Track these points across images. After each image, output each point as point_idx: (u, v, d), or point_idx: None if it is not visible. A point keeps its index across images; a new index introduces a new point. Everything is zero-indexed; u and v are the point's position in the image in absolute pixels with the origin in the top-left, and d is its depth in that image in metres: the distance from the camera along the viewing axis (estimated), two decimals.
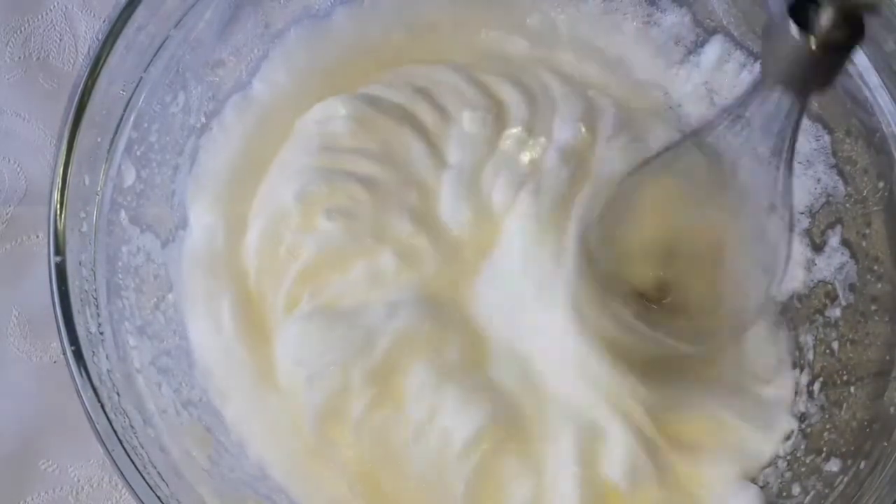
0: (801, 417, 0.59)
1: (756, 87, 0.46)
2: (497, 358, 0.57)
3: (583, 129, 0.61)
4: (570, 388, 0.56)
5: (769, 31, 0.41)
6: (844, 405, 0.57)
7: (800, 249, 0.61)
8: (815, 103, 0.59)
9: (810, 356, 0.60)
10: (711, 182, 0.52)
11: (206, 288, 0.58)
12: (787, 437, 0.58)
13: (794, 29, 0.39)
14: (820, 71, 0.42)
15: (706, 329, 0.56)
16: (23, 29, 0.71)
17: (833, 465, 0.55)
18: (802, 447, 0.57)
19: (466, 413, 0.55)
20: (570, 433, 0.55)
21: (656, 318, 0.56)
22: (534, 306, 0.57)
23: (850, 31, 0.39)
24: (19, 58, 0.71)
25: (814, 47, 0.39)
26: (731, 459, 0.57)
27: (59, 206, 0.52)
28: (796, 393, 0.59)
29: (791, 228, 0.51)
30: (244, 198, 0.60)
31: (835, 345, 0.59)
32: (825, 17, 0.39)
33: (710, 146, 0.50)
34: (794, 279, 0.61)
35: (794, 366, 0.60)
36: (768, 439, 0.58)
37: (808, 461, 0.57)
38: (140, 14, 0.53)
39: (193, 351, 0.58)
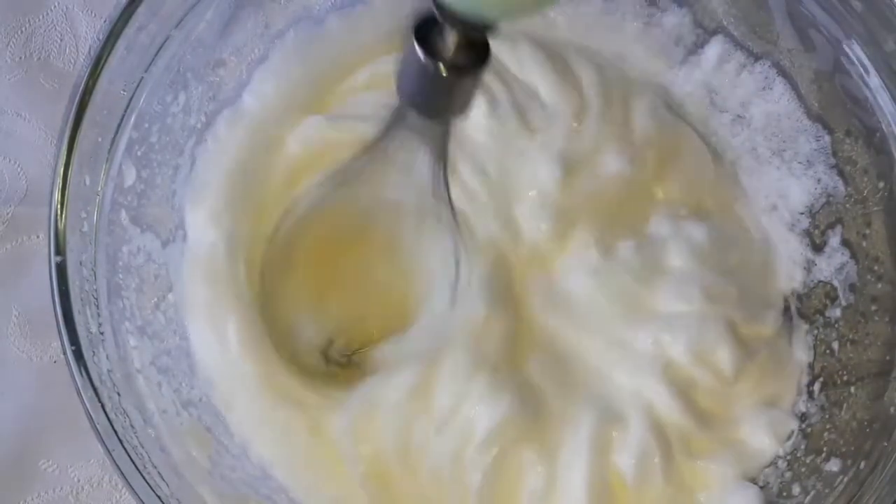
0: (801, 417, 0.59)
1: (398, 114, 0.46)
2: (535, 349, 0.58)
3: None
4: (604, 378, 0.57)
5: (404, 56, 0.41)
6: (844, 405, 0.57)
7: (800, 249, 0.61)
8: (815, 103, 0.59)
9: (810, 356, 0.60)
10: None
11: (209, 306, 0.58)
12: (788, 437, 0.58)
13: (421, 54, 0.39)
14: (452, 94, 0.42)
15: None
16: (24, 29, 0.71)
17: (833, 465, 0.55)
18: (802, 447, 0.57)
19: (492, 403, 0.55)
20: (590, 421, 0.56)
21: None
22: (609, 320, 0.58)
23: (476, 55, 0.40)
24: (20, 58, 0.71)
25: (444, 73, 0.40)
26: (732, 460, 0.57)
27: (59, 206, 0.52)
28: (797, 393, 0.59)
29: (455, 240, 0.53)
30: (243, 212, 0.60)
31: (835, 345, 0.59)
32: (449, 42, 0.39)
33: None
34: (794, 279, 0.62)
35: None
36: (769, 439, 0.58)
37: (808, 461, 0.57)
38: (141, 14, 0.53)
39: (196, 361, 0.58)
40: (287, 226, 0.56)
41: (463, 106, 0.43)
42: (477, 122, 0.60)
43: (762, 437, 0.57)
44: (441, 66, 0.40)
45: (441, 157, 0.48)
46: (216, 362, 0.57)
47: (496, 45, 0.61)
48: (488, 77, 0.60)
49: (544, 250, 0.59)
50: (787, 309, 0.61)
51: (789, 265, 0.61)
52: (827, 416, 0.57)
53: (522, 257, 0.59)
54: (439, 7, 0.38)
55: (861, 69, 0.55)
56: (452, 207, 0.51)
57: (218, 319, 0.57)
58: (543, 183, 0.58)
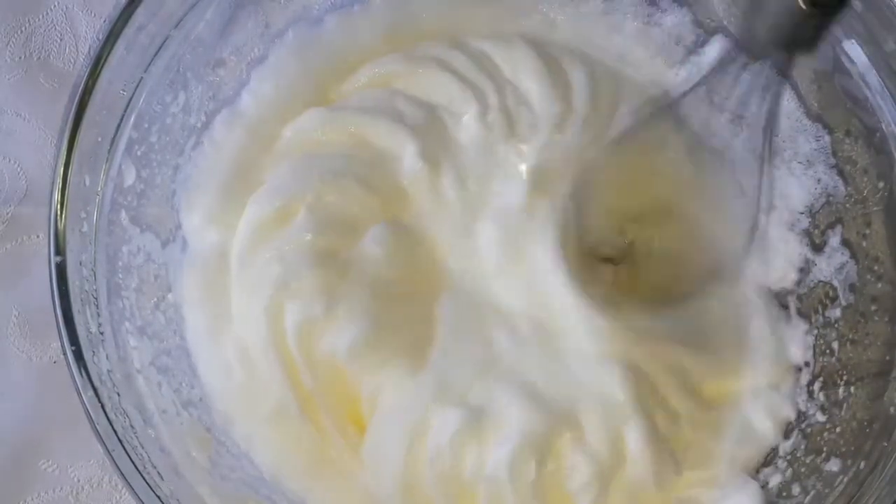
0: (801, 417, 0.59)
1: (733, 62, 0.46)
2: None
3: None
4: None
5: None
6: (844, 405, 0.57)
7: (800, 249, 0.61)
8: (815, 103, 0.59)
9: (810, 356, 0.60)
10: (681, 146, 0.54)
11: (210, 330, 0.58)
12: (787, 435, 0.58)
13: None
14: (807, 31, 0.42)
15: (688, 275, 0.57)
16: (23, 29, 0.71)
17: (833, 465, 0.55)
18: (802, 447, 0.57)
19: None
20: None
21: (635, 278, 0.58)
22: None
23: None
24: (20, 58, 0.71)
25: (803, 5, 0.40)
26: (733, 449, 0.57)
27: (59, 206, 0.52)
28: (797, 388, 0.59)
29: (759, 202, 0.52)
30: (237, 215, 0.60)
31: (835, 345, 0.59)
32: None
33: (682, 115, 0.52)
34: (786, 279, 0.62)
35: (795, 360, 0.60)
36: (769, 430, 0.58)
37: (808, 461, 0.57)
38: (140, 14, 0.53)
39: (203, 385, 0.58)
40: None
41: (810, 44, 0.43)
42: (467, 125, 0.60)
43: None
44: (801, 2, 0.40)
45: (773, 107, 0.48)
46: (223, 389, 0.57)
47: (491, 47, 0.62)
48: (481, 79, 0.61)
49: (490, 270, 0.59)
50: (785, 307, 0.61)
51: (784, 265, 0.62)
52: (827, 416, 0.57)
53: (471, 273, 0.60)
54: None
55: (861, 69, 0.55)
56: (769, 156, 0.51)
57: (220, 345, 0.58)
58: (509, 201, 0.59)
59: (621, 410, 0.56)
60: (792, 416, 0.59)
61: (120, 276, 0.56)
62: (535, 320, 0.58)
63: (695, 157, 0.53)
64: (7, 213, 0.69)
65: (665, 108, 0.53)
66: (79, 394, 0.51)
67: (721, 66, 0.48)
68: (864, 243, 0.58)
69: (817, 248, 0.60)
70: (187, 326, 0.58)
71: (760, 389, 0.59)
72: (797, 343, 0.60)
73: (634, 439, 0.55)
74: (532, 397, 0.56)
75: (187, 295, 0.58)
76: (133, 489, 0.50)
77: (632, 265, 0.60)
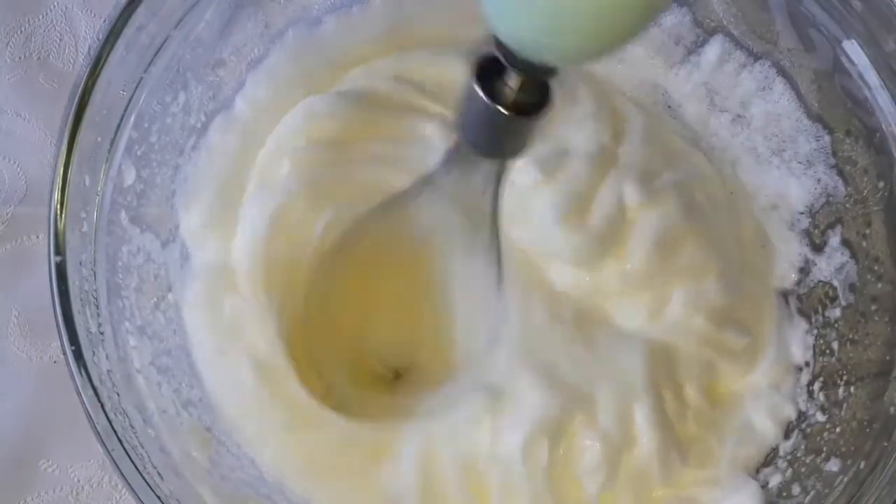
0: (801, 417, 0.59)
1: (454, 153, 0.46)
2: None
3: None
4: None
5: (464, 95, 0.41)
6: (844, 405, 0.57)
7: (800, 249, 0.61)
8: (815, 103, 0.59)
9: (810, 356, 0.60)
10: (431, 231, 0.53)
11: (219, 348, 0.58)
12: (788, 435, 0.58)
13: (482, 95, 0.39)
14: (512, 135, 0.41)
15: None
16: (23, 29, 0.71)
17: (833, 465, 0.55)
18: (802, 447, 0.57)
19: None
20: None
21: None
22: None
23: (538, 97, 0.39)
24: (20, 58, 0.71)
25: (504, 114, 0.39)
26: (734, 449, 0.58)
27: (59, 206, 0.52)
28: (797, 388, 0.59)
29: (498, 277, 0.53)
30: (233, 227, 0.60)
31: (835, 345, 0.59)
32: (511, 83, 0.39)
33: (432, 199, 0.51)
34: (786, 279, 0.62)
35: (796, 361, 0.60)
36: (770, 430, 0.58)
37: (808, 461, 0.57)
38: (140, 14, 0.53)
39: (210, 395, 0.58)
40: (329, 253, 0.56)
41: (521, 147, 0.42)
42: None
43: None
44: (501, 108, 0.39)
45: (494, 194, 0.48)
46: (233, 403, 0.57)
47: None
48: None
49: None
50: (786, 304, 0.61)
51: (784, 265, 0.62)
52: (827, 416, 0.57)
53: None
54: (501, 50, 0.37)
55: (861, 69, 0.55)
56: (499, 242, 0.51)
57: (230, 365, 0.57)
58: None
59: (633, 388, 0.56)
60: (793, 415, 0.59)
61: (120, 276, 0.56)
62: (575, 301, 0.58)
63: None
64: (7, 213, 0.69)
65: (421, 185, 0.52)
66: (79, 394, 0.51)
67: (447, 158, 0.48)
68: (864, 243, 0.58)
69: (817, 248, 0.60)
70: (194, 346, 0.58)
71: (761, 389, 0.59)
72: (797, 343, 0.61)
73: (643, 418, 0.56)
74: (552, 381, 0.56)
75: (191, 314, 0.58)
76: (133, 489, 0.50)
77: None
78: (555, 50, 0.36)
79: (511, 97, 0.39)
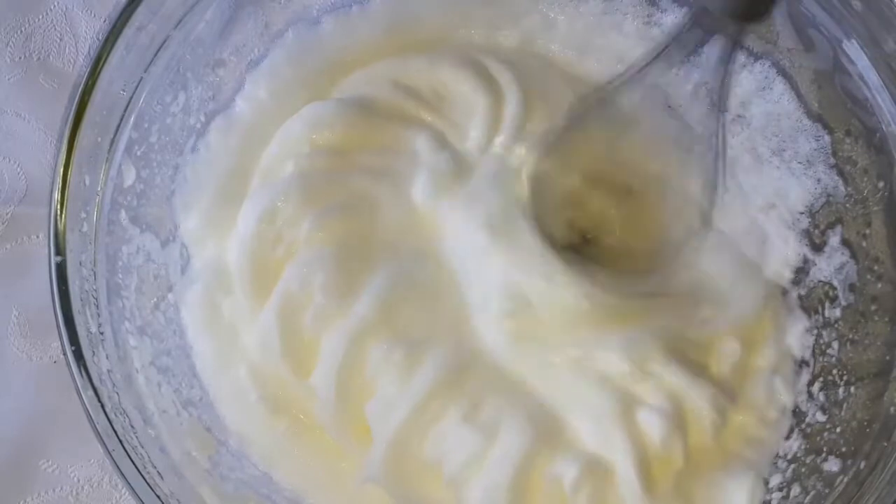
0: (801, 417, 0.59)
1: (692, 27, 0.46)
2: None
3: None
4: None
5: None
6: (844, 405, 0.57)
7: (799, 249, 0.61)
8: (815, 103, 0.59)
9: (810, 356, 0.60)
10: (638, 122, 0.54)
11: (220, 355, 0.58)
12: (787, 435, 0.58)
13: None
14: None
15: (652, 250, 0.58)
16: (23, 29, 0.71)
17: (833, 465, 0.55)
18: (802, 447, 0.57)
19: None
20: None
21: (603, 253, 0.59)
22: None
23: None
24: (20, 58, 0.71)
25: None
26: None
27: (59, 206, 0.52)
28: (797, 392, 0.59)
29: (718, 155, 0.53)
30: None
31: (835, 345, 0.59)
32: None
33: (638, 91, 0.52)
34: (782, 276, 0.62)
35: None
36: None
37: (808, 461, 0.57)
38: (140, 14, 0.53)
39: (219, 413, 0.58)
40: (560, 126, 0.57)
41: (764, 9, 0.43)
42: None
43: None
44: None
45: (724, 73, 0.48)
46: (236, 411, 0.57)
47: None
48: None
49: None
50: (785, 293, 0.61)
51: (784, 265, 0.62)
52: (827, 416, 0.57)
53: None
54: None
55: (861, 69, 0.55)
56: (723, 129, 0.51)
57: (230, 368, 0.58)
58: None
59: (609, 414, 0.56)
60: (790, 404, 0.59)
61: (120, 276, 0.56)
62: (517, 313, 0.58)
63: (663, 128, 0.54)
64: (7, 213, 0.69)
65: (624, 83, 0.53)
66: (79, 394, 0.51)
67: (677, 41, 0.48)
68: (864, 243, 0.58)
69: (817, 247, 0.60)
70: (196, 355, 0.58)
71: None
72: (797, 342, 0.61)
73: (621, 455, 0.55)
74: (531, 416, 0.56)
75: (192, 322, 0.58)
76: (133, 489, 0.50)
77: (609, 241, 0.60)
78: None
79: None
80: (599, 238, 0.60)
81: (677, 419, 0.56)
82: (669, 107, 0.51)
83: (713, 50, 0.62)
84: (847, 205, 0.59)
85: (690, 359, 0.58)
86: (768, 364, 0.60)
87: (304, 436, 0.57)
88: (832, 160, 0.59)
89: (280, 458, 0.57)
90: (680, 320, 0.58)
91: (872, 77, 0.55)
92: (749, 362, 0.60)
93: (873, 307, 0.57)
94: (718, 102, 0.49)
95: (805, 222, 0.61)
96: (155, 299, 0.58)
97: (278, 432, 0.57)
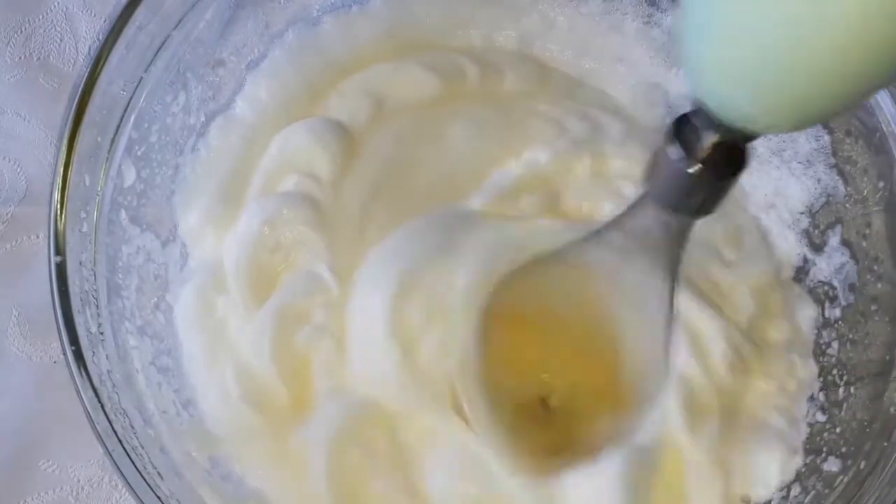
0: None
1: (641, 205, 0.45)
2: None
3: None
4: None
5: (655, 155, 0.40)
6: (844, 405, 0.57)
7: (799, 249, 0.61)
8: None
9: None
10: (595, 276, 0.52)
11: (207, 352, 0.58)
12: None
13: (676, 154, 0.38)
14: (704, 196, 0.40)
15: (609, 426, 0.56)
16: (23, 29, 0.71)
17: (833, 465, 0.55)
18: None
19: None
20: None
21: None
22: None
23: (733, 158, 0.38)
24: (20, 58, 0.71)
25: (695, 173, 0.38)
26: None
27: (59, 206, 0.52)
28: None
29: (670, 325, 0.51)
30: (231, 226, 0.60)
31: (835, 345, 0.59)
32: (707, 143, 0.38)
33: (599, 248, 0.50)
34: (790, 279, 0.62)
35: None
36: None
37: (808, 461, 0.57)
38: (141, 14, 0.53)
39: (201, 411, 0.57)
40: (497, 293, 0.55)
41: (711, 206, 0.41)
42: None
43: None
44: (697, 166, 0.38)
45: (676, 252, 0.46)
46: (223, 418, 0.57)
47: None
48: None
49: None
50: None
51: (784, 265, 0.62)
52: (827, 416, 0.57)
53: None
54: (701, 111, 0.37)
55: None
56: (673, 306, 0.50)
57: (216, 366, 0.57)
58: None
59: None
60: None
61: (120, 276, 0.56)
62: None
63: (620, 288, 0.52)
64: (7, 213, 0.69)
65: (588, 239, 0.51)
66: (79, 394, 0.51)
67: (634, 207, 0.46)
68: (864, 243, 0.58)
69: (817, 248, 0.60)
70: (183, 353, 0.58)
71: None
72: (806, 324, 0.61)
73: None
74: None
75: (183, 319, 0.58)
76: (133, 489, 0.50)
77: (565, 415, 0.58)
78: (764, 120, 0.35)
79: (707, 156, 0.38)
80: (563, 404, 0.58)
81: (695, 348, 0.56)
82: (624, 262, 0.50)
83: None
84: (847, 205, 0.59)
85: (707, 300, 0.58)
86: (783, 338, 0.60)
87: (277, 438, 0.57)
88: (832, 160, 0.59)
89: (252, 457, 0.57)
90: None
91: None
92: (766, 332, 0.60)
93: (873, 307, 0.57)
94: (671, 273, 0.48)
95: (805, 222, 0.61)
96: (155, 299, 0.58)
97: (255, 431, 0.57)
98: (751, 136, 0.37)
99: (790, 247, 0.62)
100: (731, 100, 0.35)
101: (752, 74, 0.33)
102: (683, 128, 0.38)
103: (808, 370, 0.59)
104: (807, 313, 0.61)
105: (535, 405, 0.57)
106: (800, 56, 0.30)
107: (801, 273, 0.61)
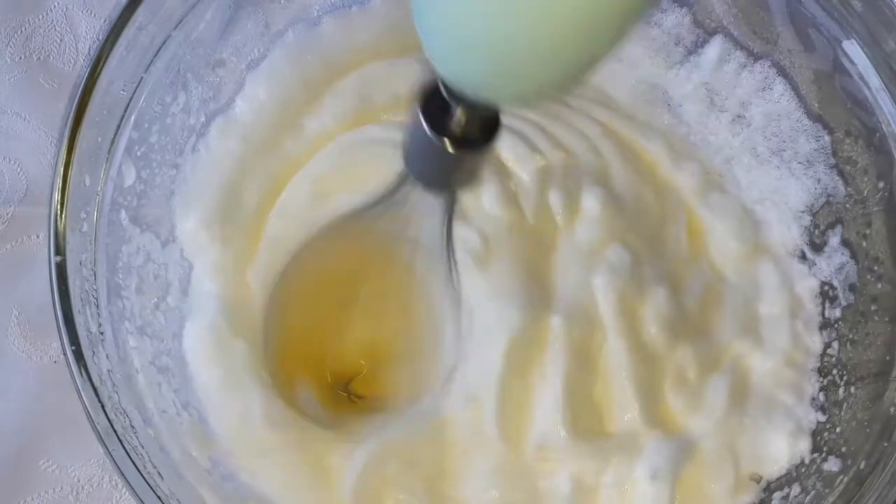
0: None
1: (403, 180, 0.44)
2: None
3: None
4: None
5: (409, 127, 0.40)
6: (844, 405, 0.57)
7: (800, 248, 0.61)
8: (815, 103, 0.59)
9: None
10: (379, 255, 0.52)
11: (225, 385, 0.57)
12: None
13: (427, 128, 0.37)
14: (459, 169, 0.40)
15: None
16: (23, 29, 0.71)
17: (833, 465, 0.55)
18: None
19: None
20: None
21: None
22: None
23: (484, 130, 0.38)
24: (20, 58, 0.71)
25: (450, 149, 0.38)
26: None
27: (59, 206, 0.52)
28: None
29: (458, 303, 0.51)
30: (233, 231, 0.60)
31: (835, 345, 0.59)
32: (457, 117, 0.37)
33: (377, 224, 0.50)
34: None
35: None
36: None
37: (808, 461, 0.57)
38: (141, 14, 0.53)
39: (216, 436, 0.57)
40: (290, 265, 0.55)
41: (469, 179, 0.41)
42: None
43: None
44: (447, 141, 0.38)
45: (445, 227, 0.46)
46: (244, 443, 0.57)
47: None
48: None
49: None
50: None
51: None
52: (827, 416, 0.57)
53: None
54: (446, 87, 0.36)
55: (861, 69, 0.55)
56: (454, 268, 0.50)
57: (239, 399, 0.57)
58: None
59: None
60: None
61: (120, 276, 0.56)
62: None
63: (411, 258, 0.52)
64: (7, 213, 0.69)
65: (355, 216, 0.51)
66: (79, 394, 0.51)
67: (396, 186, 0.46)
68: (864, 243, 0.58)
69: (817, 248, 0.60)
70: (197, 386, 0.57)
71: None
72: (807, 292, 0.61)
73: None
74: None
75: (192, 354, 0.58)
76: (133, 489, 0.50)
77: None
78: (498, 93, 0.35)
79: (456, 130, 0.37)
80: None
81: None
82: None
83: (713, 50, 0.62)
84: (847, 205, 0.59)
85: None
86: (780, 310, 0.60)
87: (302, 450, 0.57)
88: (832, 160, 0.59)
89: (266, 468, 0.56)
90: None
91: (872, 77, 0.55)
92: (755, 311, 0.60)
93: (873, 307, 0.57)
94: (445, 247, 0.48)
95: (805, 222, 0.61)
96: (155, 299, 0.58)
97: (276, 446, 0.56)
98: (493, 108, 0.37)
99: (790, 240, 0.62)
100: (460, 69, 0.34)
101: (470, 41, 0.33)
102: (431, 103, 0.37)
103: (814, 336, 0.59)
104: (807, 284, 0.60)
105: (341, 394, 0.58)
106: (508, 23, 0.30)
107: None
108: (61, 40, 0.72)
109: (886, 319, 0.57)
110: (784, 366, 0.59)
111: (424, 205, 0.45)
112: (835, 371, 0.58)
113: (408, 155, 0.41)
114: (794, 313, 0.60)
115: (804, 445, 0.57)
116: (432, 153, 0.39)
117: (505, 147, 0.60)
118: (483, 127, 0.38)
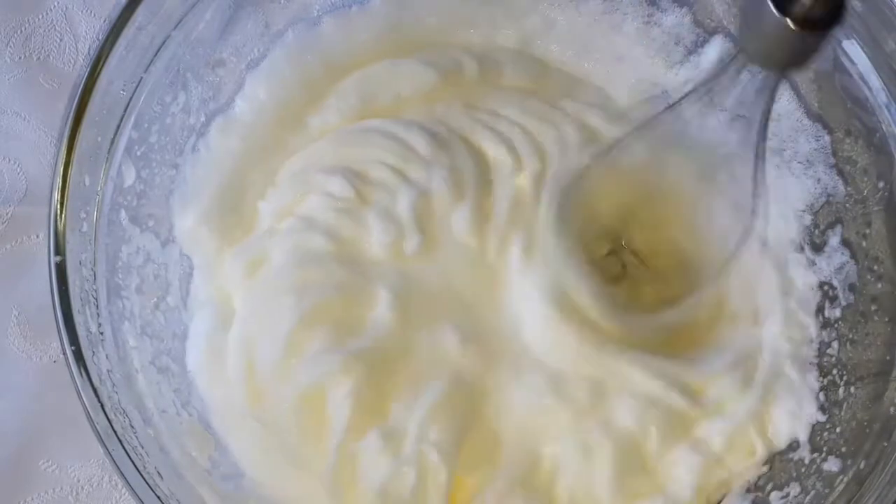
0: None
1: (731, 64, 0.46)
2: None
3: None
4: None
5: (747, 8, 0.41)
6: (844, 405, 0.57)
7: (799, 248, 0.61)
8: (815, 103, 0.59)
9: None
10: (674, 151, 0.54)
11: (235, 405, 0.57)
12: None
13: (772, 7, 0.39)
14: (798, 50, 0.41)
15: (685, 287, 0.57)
16: (23, 29, 0.71)
17: (833, 465, 0.55)
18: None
19: None
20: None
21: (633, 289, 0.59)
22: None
23: (830, 11, 0.39)
24: (20, 58, 0.71)
25: (793, 27, 0.39)
26: None
27: (59, 206, 0.52)
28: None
29: (759, 188, 0.52)
30: (231, 227, 0.60)
31: (835, 345, 0.59)
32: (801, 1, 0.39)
33: (679, 118, 0.51)
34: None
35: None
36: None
37: (808, 461, 0.57)
38: (141, 14, 0.53)
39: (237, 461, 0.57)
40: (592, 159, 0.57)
41: (804, 60, 0.42)
42: None
43: None
44: (789, 21, 0.39)
45: (764, 111, 0.48)
46: (256, 462, 0.57)
47: None
48: None
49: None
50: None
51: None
52: (827, 416, 0.57)
53: None
54: None
55: (861, 69, 0.55)
56: (762, 162, 0.51)
57: (248, 433, 0.57)
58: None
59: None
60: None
61: (120, 276, 0.56)
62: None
63: (692, 158, 0.54)
64: (7, 213, 0.69)
65: (662, 114, 0.53)
66: (79, 394, 0.51)
67: (720, 66, 0.48)
68: (864, 243, 0.58)
69: (817, 247, 0.60)
70: (208, 408, 0.57)
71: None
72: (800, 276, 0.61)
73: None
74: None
75: (200, 376, 0.58)
76: (133, 489, 0.50)
77: (632, 274, 0.60)
78: None
79: (800, 11, 0.39)
80: (638, 269, 0.60)
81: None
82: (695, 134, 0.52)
83: (713, 50, 0.62)
84: (847, 205, 0.59)
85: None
86: (773, 289, 0.60)
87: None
88: (832, 160, 0.59)
89: (274, 474, 0.56)
90: None
91: (872, 77, 0.55)
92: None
93: (873, 307, 0.57)
94: (759, 134, 0.49)
95: (805, 222, 0.61)
96: (155, 299, 0.58)
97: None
98: None
99: (790, 239, 0.62)
100: None
101: None
102: None
103: (808, 316, 0.59)
104: (799, 270, 0.61)
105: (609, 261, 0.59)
106: None
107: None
108: (61, 40, 0.72)
109: (886, 319, 0.57)
110: (783, 341, 0.59)
111: (751, 86, 0.47)
112: (835, 371, 0.58)
113: (744, 31, 0.42)
114: (787, 292, 0.60)
115: (809, 415, 0.57)
116: (774, 30, 0.40)
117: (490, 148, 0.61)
118: (827, 8, 0.39)
